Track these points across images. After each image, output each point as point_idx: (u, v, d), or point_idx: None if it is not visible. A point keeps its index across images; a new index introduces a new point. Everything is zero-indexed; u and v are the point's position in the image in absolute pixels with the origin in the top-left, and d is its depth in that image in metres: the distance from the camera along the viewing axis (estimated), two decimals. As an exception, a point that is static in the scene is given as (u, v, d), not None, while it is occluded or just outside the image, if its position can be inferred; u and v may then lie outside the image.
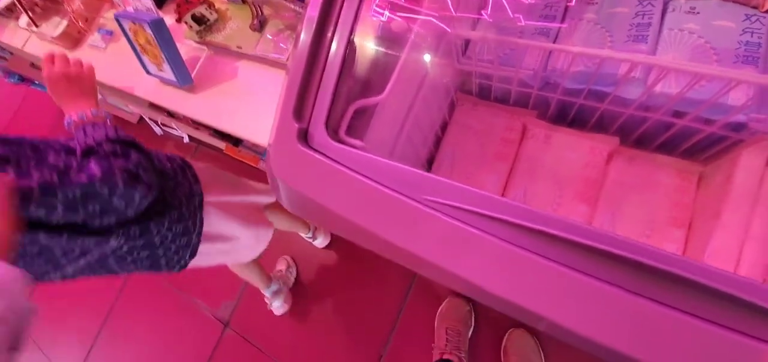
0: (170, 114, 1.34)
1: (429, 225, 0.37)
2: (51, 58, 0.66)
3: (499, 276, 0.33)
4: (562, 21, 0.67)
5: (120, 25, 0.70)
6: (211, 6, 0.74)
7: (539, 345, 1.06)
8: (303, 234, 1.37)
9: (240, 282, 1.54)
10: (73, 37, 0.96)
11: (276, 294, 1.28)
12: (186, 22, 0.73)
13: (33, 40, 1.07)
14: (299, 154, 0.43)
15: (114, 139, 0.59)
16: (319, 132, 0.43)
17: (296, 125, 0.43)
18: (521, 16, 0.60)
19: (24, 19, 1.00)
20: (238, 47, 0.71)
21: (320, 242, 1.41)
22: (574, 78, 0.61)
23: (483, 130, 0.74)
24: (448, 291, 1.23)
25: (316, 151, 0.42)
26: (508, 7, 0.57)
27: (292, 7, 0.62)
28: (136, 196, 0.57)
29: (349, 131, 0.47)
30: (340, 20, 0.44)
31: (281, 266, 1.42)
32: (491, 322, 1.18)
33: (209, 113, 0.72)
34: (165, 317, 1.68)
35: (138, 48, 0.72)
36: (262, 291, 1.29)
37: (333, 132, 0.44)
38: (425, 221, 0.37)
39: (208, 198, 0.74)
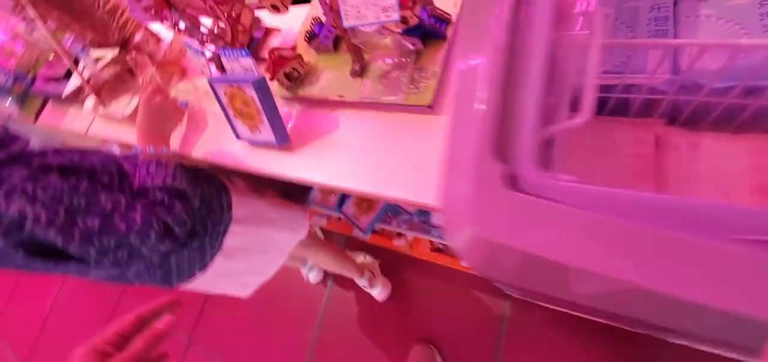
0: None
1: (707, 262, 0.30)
2: (157, 89, 0.73)
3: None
4: (675, 23, 0.64)
5: (213, 90, 0.66)
6: (300, 60, 0.70)
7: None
8: (357, 280, 1.27)
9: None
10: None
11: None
12: (278, 80, 0.69)
13: (97, 122, 1.03)
14: (509, 200, 0.36)
15: (167, 188, 0.63)
16: (526, 170, 0.37)
17: (499, 167, 0.37)
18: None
19: (90, 102, 0.96)
20: (339, 96, 0.66)
21: (379, 293, 1.29)
22: (722, 76, 0.56)
23: (602, 147, 0.68)
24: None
25: (529, 194, 0.36)
26: None
27: (405, 43, 0.58)
28: (163, 248, 0.60)
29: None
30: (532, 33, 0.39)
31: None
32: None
33: (311, 170, 0.67)
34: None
35: (231, 112, 0.67)
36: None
37: (542, 168, 0.38)
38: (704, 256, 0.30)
39: (235, 226, 0.77)
